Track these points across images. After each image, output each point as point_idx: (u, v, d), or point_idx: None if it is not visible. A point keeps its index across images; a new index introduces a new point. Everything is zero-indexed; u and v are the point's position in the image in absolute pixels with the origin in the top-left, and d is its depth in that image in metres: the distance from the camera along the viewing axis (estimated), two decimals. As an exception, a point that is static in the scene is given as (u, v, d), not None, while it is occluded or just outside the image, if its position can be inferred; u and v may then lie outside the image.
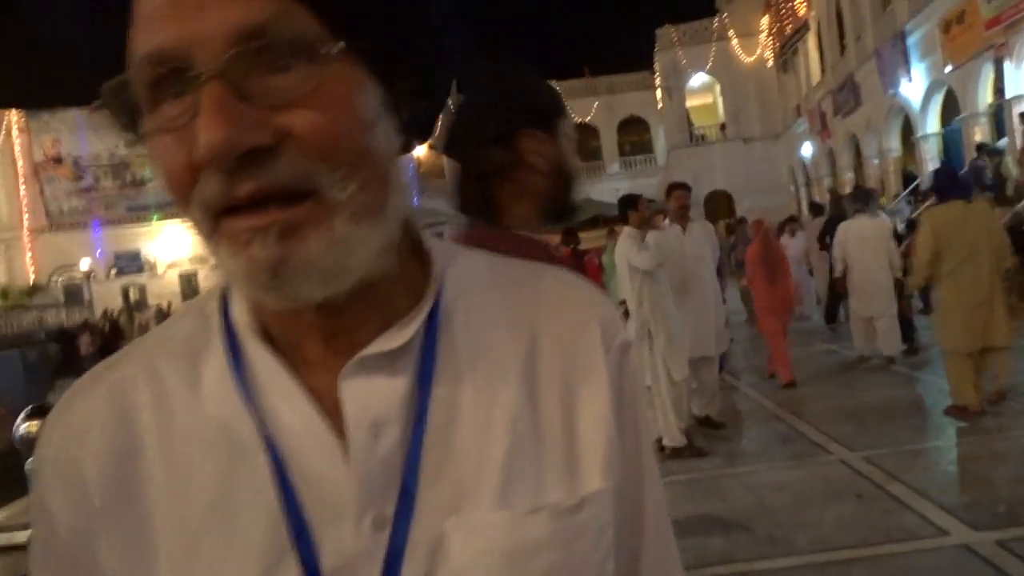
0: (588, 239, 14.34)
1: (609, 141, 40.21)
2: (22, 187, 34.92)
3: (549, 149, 1.33)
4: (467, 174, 1.36)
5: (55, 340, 22.25)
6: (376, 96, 0.50)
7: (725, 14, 35.37)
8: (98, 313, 27.44)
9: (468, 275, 0.60)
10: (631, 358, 0.63)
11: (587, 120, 39.58)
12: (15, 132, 34.92)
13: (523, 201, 1.34)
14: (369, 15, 0.49)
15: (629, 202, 5.41)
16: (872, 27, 22.13)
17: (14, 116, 34.92)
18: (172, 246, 36.04)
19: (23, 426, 1.33)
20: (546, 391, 0.58)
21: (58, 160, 35.70)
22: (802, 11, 28.88)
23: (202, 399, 0.55)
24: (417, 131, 0.56)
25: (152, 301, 33.25)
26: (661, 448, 5.35)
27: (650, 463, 0.64)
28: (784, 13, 31.07)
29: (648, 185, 38.12)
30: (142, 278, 35.96)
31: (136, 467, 0.54)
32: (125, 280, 35.63)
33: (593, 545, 0.56)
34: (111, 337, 23.99)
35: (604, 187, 36.28)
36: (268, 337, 0.55)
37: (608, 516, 0.58)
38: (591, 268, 10.63)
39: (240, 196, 0.46)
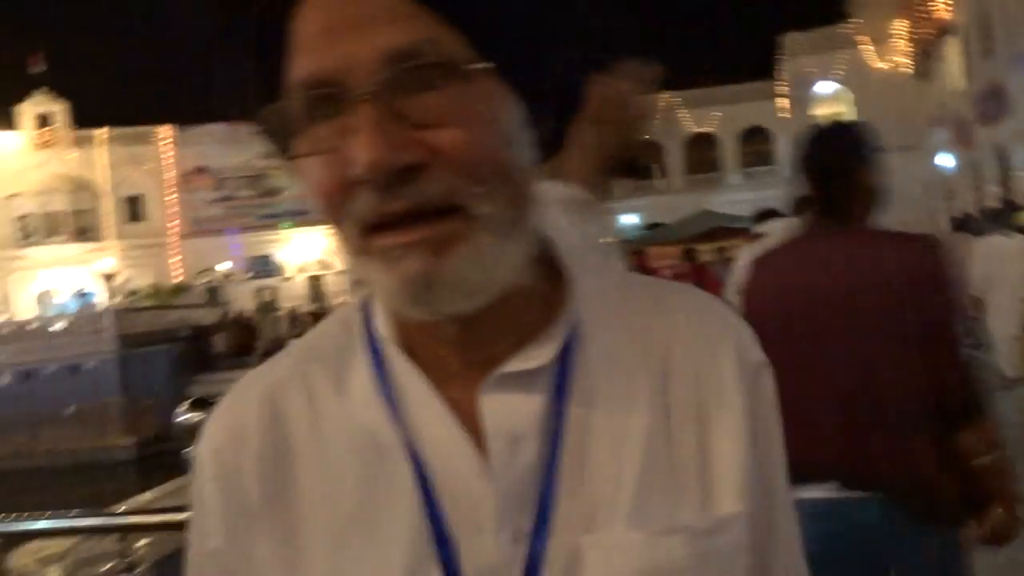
0: (704, 252, 14.06)
1: (729, 152, 39.20)
2: (170, 196, 37.82)
3: (877, 169, 1.94)
4: (837, 194, 1.92)
5: (193, 337, 23.91)
6: (517, 112, 0.53)
7: (857, 19, 33.82)
8: (235, 312, 29.27)
9: (602, 293, 0.61)
10: (767, 380, 0.62)
11: (707, 130, 38.79)
12: (166, 145, 37.89)
13: (873, 208, 1.90)
14: (513, 37, 0.51)
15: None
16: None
17: (165, 131, 37.92)
18: (301, 251, 37.99)
19: (183, 416, 1.50)
20: (680, 411, 0.58)
21: (202, 170, 38.45)
22: (943, 14, 27.23)
23: (349, 405, 0.58)
24: (550, 144, 0.58)
25: (283, 302, 35.23)
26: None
27: (783, 489, 0.64)
28: (922, 16, 29.39)
29: (771, 197, 36.59)
30: (274, 281, 38.12)
31: (289, 468, 0.58)
32: (259, 283, 37.89)
33: (727, 569, 0.56)
34: (246, 335, 25.53)
35: (723, 199, 35.36)
36: (408, 349, 0.57)
37: (743, 541, 0.58)
38: (711, 282, 10.41)
39: (392, 212, 0.48)
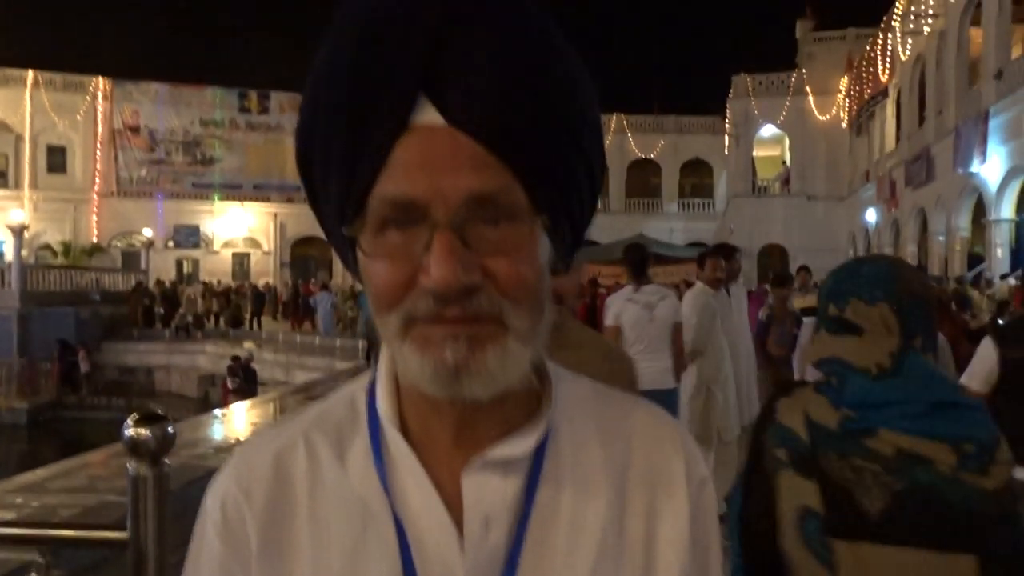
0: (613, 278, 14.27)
1: (671, 180, 40.19)
2: (98, 152, 36.21)
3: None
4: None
5: (103, 303, 22.88)
6: (547, 248, 0.63)
7: (804, 70, 35.14)
8: (152, 281, 28.14)
9: (575, 397, 0.70)
10: (709, 492, 0.70)
11: (651, 156, 39.57)
12: (100, 98, 36.28)
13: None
14: (560, 195, 0.62)
15: (705, 255, 5.44)
16: (955, 103, 21.74)
17: (101, 83, 36.33)
18: (229, 226, 36.93)
19: (130, 431, 1.43)
20: (632, 509, 0.67)
21: (135, 130, 37.00)
22: (884, 77, 28.51)
23: (347, 474, 0.66)
24: (561, 268, 0.69)
25: (204, 276, 34.03)
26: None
27: None
28: (865, 76, 30.72)
29: (704, 229, 37.74)
30: (197, 253, 36.91)
31: (288, 525, 0.65)
32: (181, 253, 36.61)
33: None
34: (160, 306, 24.57)
35: (660, 225, 36.15)
36: (405, 429, 0.65)
37: None
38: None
39: (447, 318, 0.57)
